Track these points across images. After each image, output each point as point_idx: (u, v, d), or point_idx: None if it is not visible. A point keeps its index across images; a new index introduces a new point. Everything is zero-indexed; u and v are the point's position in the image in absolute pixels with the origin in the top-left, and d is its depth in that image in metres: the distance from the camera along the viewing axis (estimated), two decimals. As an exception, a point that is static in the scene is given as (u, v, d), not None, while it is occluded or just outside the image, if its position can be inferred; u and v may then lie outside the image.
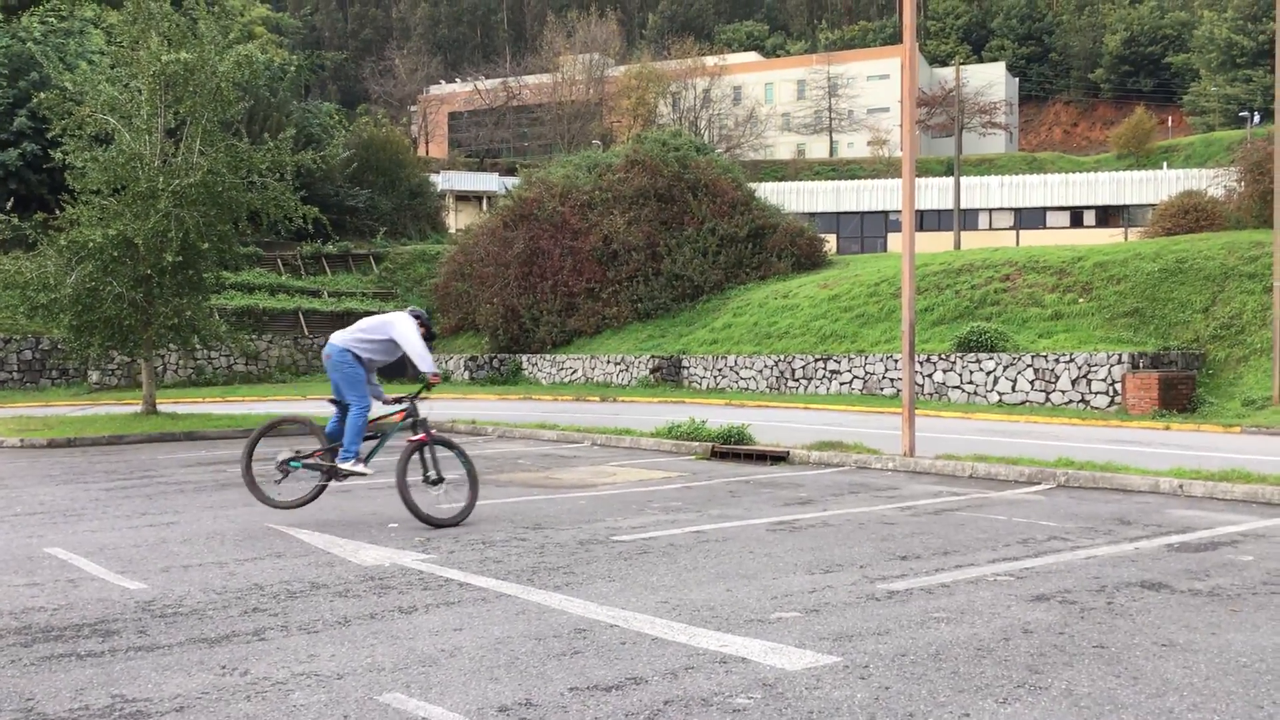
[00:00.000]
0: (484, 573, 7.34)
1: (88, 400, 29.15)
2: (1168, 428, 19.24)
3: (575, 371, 33.62)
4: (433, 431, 9.45)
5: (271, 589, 6.91)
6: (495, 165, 72.51)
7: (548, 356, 34.69)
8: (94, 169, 19.84)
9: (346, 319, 40.43)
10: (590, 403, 27.93)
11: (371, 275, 44.39)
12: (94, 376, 33.53)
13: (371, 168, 48.78)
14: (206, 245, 19.75)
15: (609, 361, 32.63)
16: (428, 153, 79.25)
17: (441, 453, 9.54)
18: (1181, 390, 21.26)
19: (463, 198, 63.71)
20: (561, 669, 5.19)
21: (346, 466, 9.45)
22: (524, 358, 35.41)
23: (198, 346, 27.53)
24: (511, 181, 51.72)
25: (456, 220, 59.24)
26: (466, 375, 35.32)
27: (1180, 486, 11.09)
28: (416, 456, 9.36)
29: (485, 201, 61.38)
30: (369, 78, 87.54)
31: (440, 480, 9.39)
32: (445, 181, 62.41)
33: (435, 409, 24.41)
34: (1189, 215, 29.15)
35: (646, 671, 5.14)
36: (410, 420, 9.45)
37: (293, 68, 45.40)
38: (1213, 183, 33.47)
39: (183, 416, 21.23)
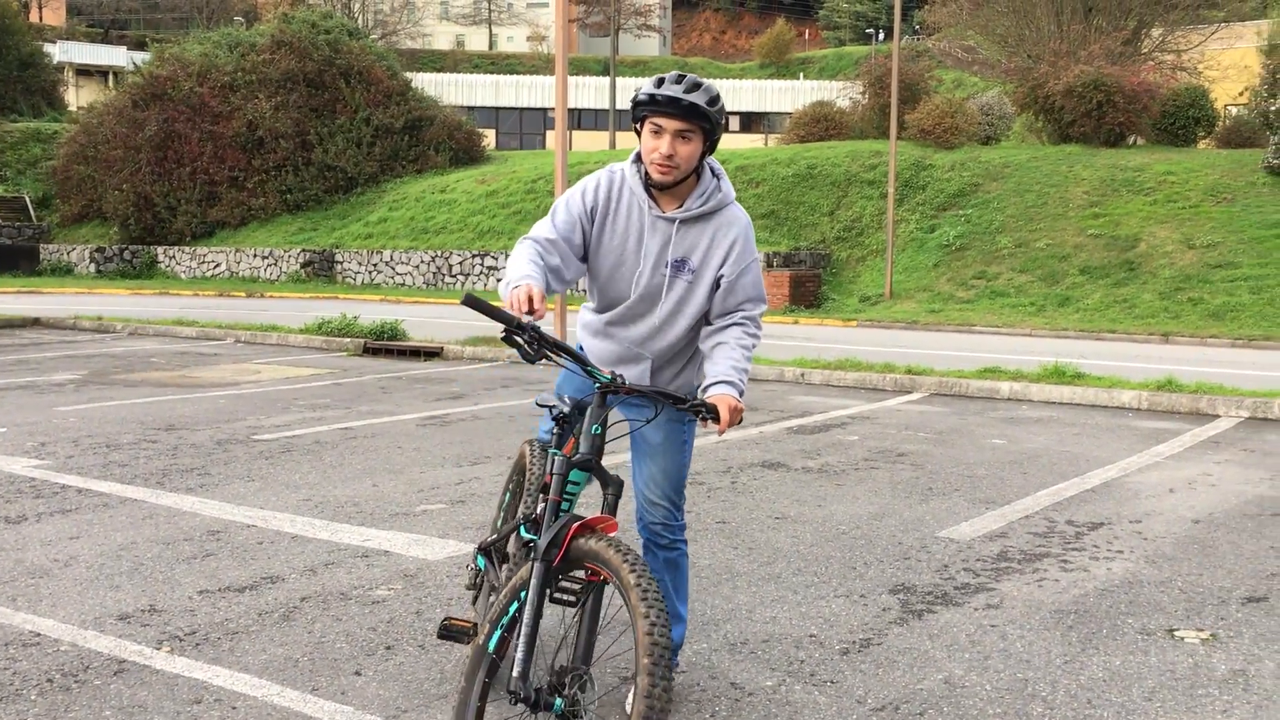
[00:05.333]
0: (107, 477, 6.86)
1: None
2: (796, 322, 20.85)
3: (219, 265, 31.68)
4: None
5: None
6: (123, 38, 65.91)
7: (187, 249, 32.44)
8: None
9: (-55, 204, 35.88)
10: (236, 298, 26.50)
11: (-25, 155, 39.40)
12: None
13: (-30, 32, 42.96)
14: None
15: (256, 255, 30.98)
16: (41, 19, 70.67)
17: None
18: (809, 287, 23.04)
19: (85, 72, 57.60)
20: (191, 572, 4.97)
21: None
22: (160, 250, 32.91)
23: None
24: (142, 57, 47.29)
25: (78, 97, 53.58)
26: (93, 268, 32.42)
27: (802, 375, 12.08)
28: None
29: (112, 77, 55.86)
30: (-35, -73, 76.44)
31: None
32: (63, 53, 56.08)
33: (54, 304, 22.30)
34: (820, 124, 31.19)
35: (284, 570, 5.03)
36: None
37: None
38: (841, 94, 35.95)
39: None
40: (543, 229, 3.40)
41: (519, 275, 3.13)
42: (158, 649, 4.06)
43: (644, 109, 3.24)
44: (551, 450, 3.08)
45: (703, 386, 3.30)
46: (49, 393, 10.59)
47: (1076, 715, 3.60)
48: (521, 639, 2.74)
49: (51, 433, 8.40)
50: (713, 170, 3.43)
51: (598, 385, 3.03)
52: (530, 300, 2.99)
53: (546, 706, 2.72)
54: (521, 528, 3.45)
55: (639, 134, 3.29)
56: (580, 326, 3.67)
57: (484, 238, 28.70)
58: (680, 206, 3.38)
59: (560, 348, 3.00)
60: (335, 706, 3.59)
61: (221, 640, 4.16)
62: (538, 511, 3.36)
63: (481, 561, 3.82)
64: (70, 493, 6.46)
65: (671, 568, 3.68)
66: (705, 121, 3.20)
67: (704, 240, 3.40)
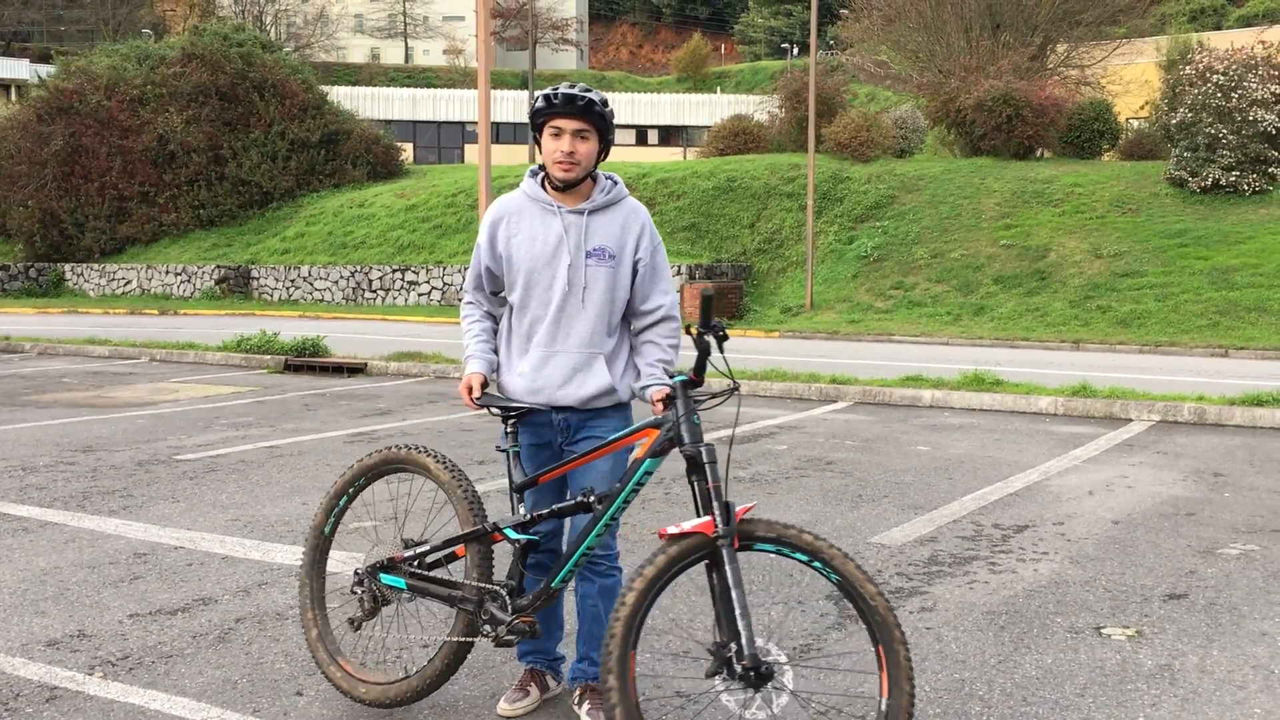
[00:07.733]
0: (25, 501, 6.67)
1: None
2: (719, 333, 21.01)
3: (130, 283, 30.93)
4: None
5: None
6: (26, 51, 64.18)
7: (96, 266, 31.62)
8: None
9: None
10: (148, 316, 25.90)
11: None
12: None
13: None
14: None
15: (169, 272, 30.31)
16: (-62, 30, 68.49)
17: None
18: (731, 299, 23.24)
19: (-15, 85, 55.92)
20: (120, 596, 4.86)
21: None
22: (67, 267, 32.03)
23: None
24: (47, 70, 46.04)
25: (-22, 110, 51.93)
26: (-3, 287, 31.44)
27: (729, 386, 12.18)
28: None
29: (14, 91, 54.31)
30: None
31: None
32: (-38, 65, 54.44)
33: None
34: (738, 137, 31.50)
35: (216, 591, 4.94)
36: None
37: None
38: (758, 108, 36.39)
39: None
40: (472, 281, 3.76)
41: (469, 358, 3.72)
42: (90, 674, 3.96)
43: (543, 114, 3.49)
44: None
45: (643, 387, 3.63)
46: (-43, 415, 10.25)
47: (1013, 713, 3.69)
48: (739, 618, 3.03)
49: None
50: (607, 176, 3.68)
51: (679, 380, 3.37)
52: (470, 391, 3.64)
53: (768, 674, 3.02)
54: (508, 530, 3.48)
55: (539, 143, 3.53)
56: (514, 375, 3.67)
57: (404, 252, 28.44)
58: (586, 201, 3.60)
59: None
60: (278, 728, 3.53)
61: (156, 664, 4.07)
62: (528, 514, 3.51)
63: (401, 582, 3.62)
64: (-13, 518, 6.27)
65: (607, 595, 3.65)
66: (600, 121, 3.47)
67: (615, 228, 3.61)
